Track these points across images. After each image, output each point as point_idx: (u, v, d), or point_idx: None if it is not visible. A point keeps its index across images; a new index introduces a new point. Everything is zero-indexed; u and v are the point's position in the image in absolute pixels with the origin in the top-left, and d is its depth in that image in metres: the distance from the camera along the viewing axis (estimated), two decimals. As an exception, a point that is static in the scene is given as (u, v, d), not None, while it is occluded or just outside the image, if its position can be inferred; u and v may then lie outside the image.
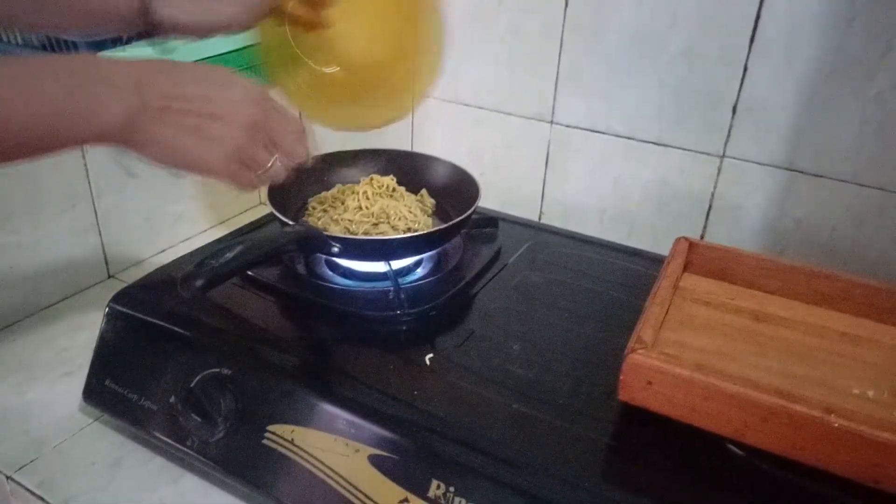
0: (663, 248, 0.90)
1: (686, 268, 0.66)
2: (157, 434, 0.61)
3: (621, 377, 0.50)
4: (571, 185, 0.98)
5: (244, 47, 1.02)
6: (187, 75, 0.50)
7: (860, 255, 0.83)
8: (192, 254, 0.74)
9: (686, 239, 0.65)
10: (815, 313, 0.61)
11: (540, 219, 1.02)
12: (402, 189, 0.77)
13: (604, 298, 0.69)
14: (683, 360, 0.49)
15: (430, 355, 0.59)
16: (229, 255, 0.52)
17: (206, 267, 0.51)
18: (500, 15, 0.94)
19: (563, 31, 0.90)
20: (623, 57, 0.88)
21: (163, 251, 0.96)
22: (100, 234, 0.90)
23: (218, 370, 0.59)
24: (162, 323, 0.64)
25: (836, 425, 0.44)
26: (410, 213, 0.72)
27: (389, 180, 0.77)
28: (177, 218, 0.98)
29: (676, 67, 0.86)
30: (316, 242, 0.62)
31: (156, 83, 0.48)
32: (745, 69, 0.82)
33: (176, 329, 0.63)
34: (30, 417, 0.68)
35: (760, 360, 0.55)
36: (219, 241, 0.76)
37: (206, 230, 1.02)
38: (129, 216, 0.92)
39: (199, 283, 0.49)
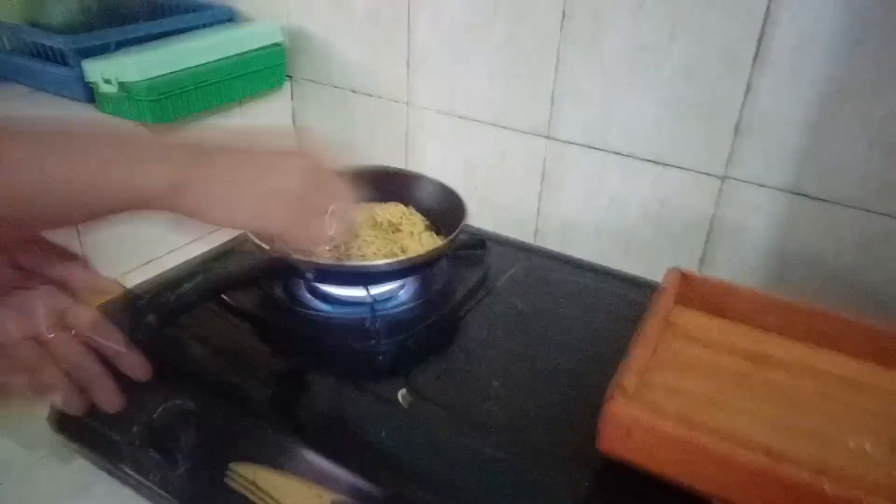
0: (661, 271, 0.87)
1: (679, 300, 0.63)
2: (121, 465, 0.59)
3: (600, 426, 0.47)
4: (567, 202, 0.95)
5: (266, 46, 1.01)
6: (232, 136, 0.49)
7: (865, 283, 0.79)
8: (158, 276, 0.71)
9: (679, 270, 0.62)
10: (813, 354, 0.58)
11: (535, 235, 0.99)
12: (412, 218, 0.73)
13: (593, 329, 0.66)
14: (666, 411, 0.46)
15: (403, 391, 0.56)
16: (188, 286, 0.49)
17: (160, 300, 0.48)
18: (495, 26, 0.91)
19: (559, 44, 0.87)
20: (621, 71, 0.85)
21: (145, 263, 0.94)
22: (80, 245, 0.88)
23: (181, 402, 0.56)
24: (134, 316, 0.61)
25: (828, 490, 0.41)
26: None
27: (395, 213, 0.73)
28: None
29: (676, 83, 0.82)
30: (290, 270, 0.59)
31: (195, 150, 0.47)
32: (749, 87, 0.78)
33: (147, 323, 0.60)
34: (-4, 439, 0.66)
35: (751, 406, 0.52)
36: (187, 263, 0.72)
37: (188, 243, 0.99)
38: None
39: (150, 318, 0.47)
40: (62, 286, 0.47)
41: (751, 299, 0.60)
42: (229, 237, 0.81)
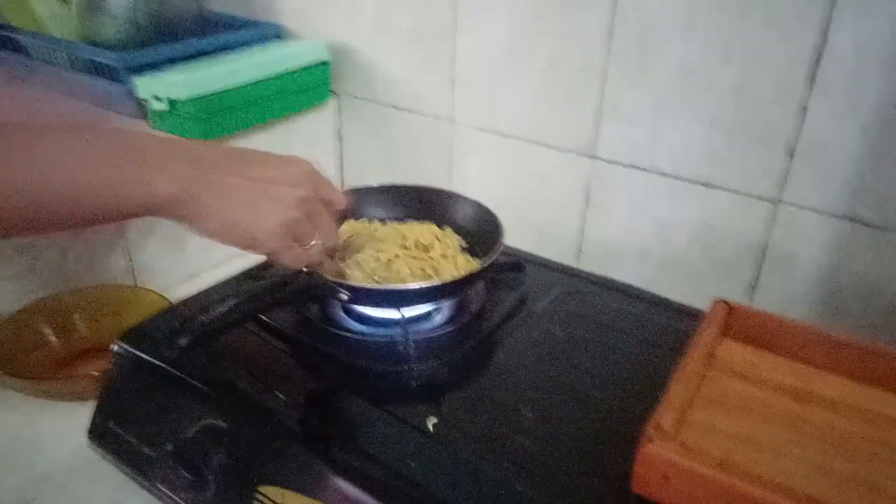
0: (707, 299, 0.84)
1: (725, 332, 0.60)
2: (156, 482, 0.59)
3: (635, 468, 0.45)
4: (612, 225, 0.93)
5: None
6: (240, 152, 0.52)
7: (927, 319, 0.75)
8: (207, 292, 0.71)
9: (725, 302, 0.60)
10: (865, 395, 0.54)
11: (578, 258, 0.97)
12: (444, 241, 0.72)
13: (633, 360, 0.64)
14: (706, 455, 0.44)
15: (434, 420, 0.55)
16: (222, 308, 0.49)
17: (193, 323, 0.48)
18: (540, 44, 0.89)
19: (605, 63, 0.85)
20: (670, 91, 0.82)
21: (190, 278, 0.95)
22: (129, 257, 0.90)
23: (214, 421, 0.57)
24: (165, 366, 0.62)
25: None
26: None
27: (425, 235, 0.72)
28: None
29: (728, 105, 0.79)
30: (323, 291, 0.59)
31: (211, 157, 0.49)
32: (805, 110, 0.75)
33: (177, 374, 0.61)
34: (38, 450, 0.68)
35: (798, 450, 0.49)
36: (225, 284, 0.73)
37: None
38: (159, 237, 0.92)
39: (182, 342, 0.47)
40: None
41: (799, 334, 0.57)
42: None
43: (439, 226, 0.75)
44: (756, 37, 0.75)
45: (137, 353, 0.63)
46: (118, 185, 0.45)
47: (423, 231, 0.73)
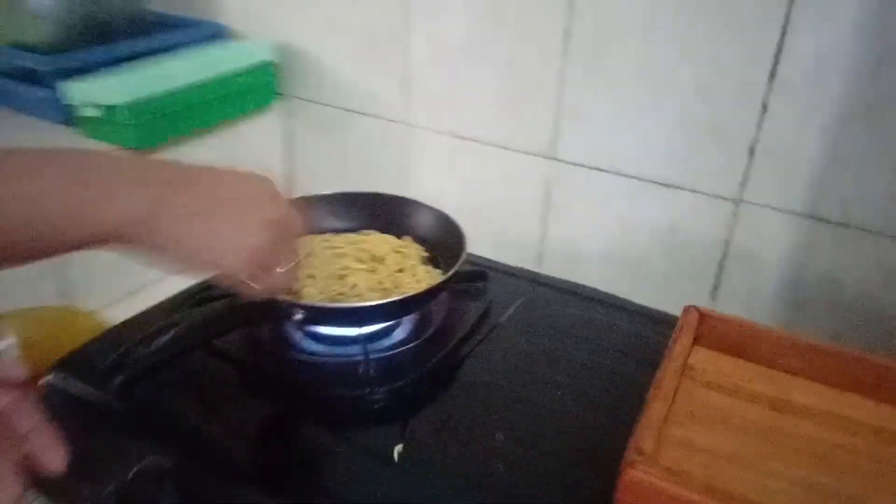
0: (673, 300, 0.82)
1: (697, 340, 0.58)
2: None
3: (617, 495, 0.43)
4: (572, 227, 0.91)
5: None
6: (198, 171, 0.47)
7: (890, 314, 0.75)
8: (148, 315, 0.66)
9: (696, 309, 0.58)
10: (844, 402, 0.53)
11: (539, 262, 0.94)
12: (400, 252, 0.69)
13: (605, 371, 0.61)
14: (690, 478, 0.42)
15: (399, 447, 0.51)
16: (163, 339, 0.45)
17: (131, 357, 0.43)
18: (496, 44, 0.87)
19: (563, 63, 0.83)
20: (630, 92, 0.81)
21: (130, 296, 0.89)
22: (60, 274, 0.84)
23: (159, 459, 0.52)
24: (101, 401, 0.56)
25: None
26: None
27: (381, 247, 0.68)
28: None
29: (687, 103, 0.78)
30: (276, 312, 0.55)
31: (168, 177, 0.44)
32: (765, 108, 0.74)
33: (116, 408, 0.56)
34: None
35: (781, 465, 0.47)
36: (168, 306, 0.67)
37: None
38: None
39: (118, 380, 0.42)
40: None
41: (774, 341, 0.56)
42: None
43: (398, 235, 0.71)
44: (716, 36, 0.74)
45: (71, 386, 0.58)
46: (67, 210, 0.39)
47: (379, 242, 0.69)
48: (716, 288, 0.84)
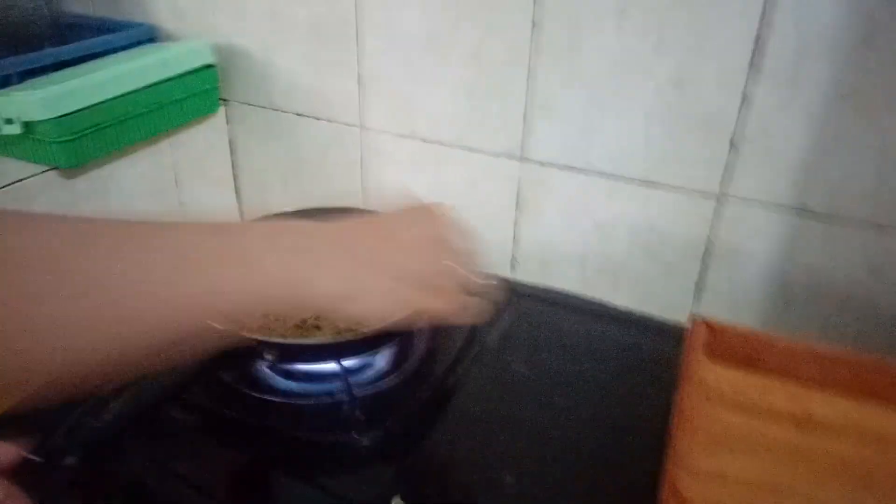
0: (653, 301, 0.79)
1: (705, 352, 0.54)
2: None
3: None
4: (547, 231, 0.86)
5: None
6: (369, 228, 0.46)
7: (878, 307, 0.73)
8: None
9: (704, 322, 0.54)
10: (865, 413, 0.50)
11: (512, 268, 0.89)
12: None
13: (610, 391, 0.57)
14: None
15: (398, 499, 0.46)
16: (116, 404, 0.37)
17: (81, 430, 0.36)
18: (459, 37, 0.81)
19: (530, 55, 0.78)
20: (603, 84, 0.76)
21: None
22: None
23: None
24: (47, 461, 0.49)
25: None
26: None
27: None
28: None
29: (665, 95, 0.74)
30: (242, 355, 0.48)
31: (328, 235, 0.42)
32: (744, 97, 0.71)
33: (67, 467, 0.48)
34: None
35: (819, 490, 0.43)
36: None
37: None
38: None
39: (69, 461, 0.35)
40: None
41: (788, 351, 0.52)
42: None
43: None
44: (694, 23, 0.70)
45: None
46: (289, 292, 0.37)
47: None
48: (700, 288, 0.81)
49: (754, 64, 0.69)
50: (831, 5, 0.64)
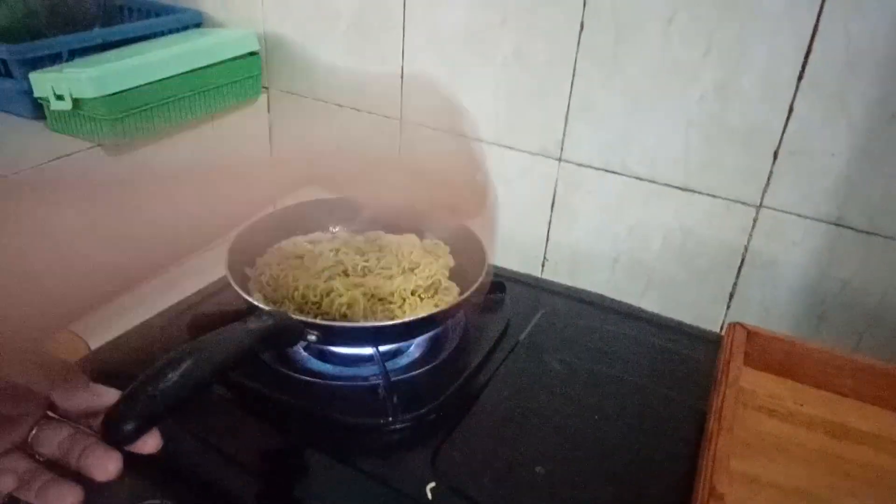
0: (683, 308, 0.79)
1: (744, 360, 0.54)
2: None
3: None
4: (580, 231, 0.86)
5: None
6: None
7: (915, 326, 0.72)
8: (134, 333, 0.59)
9: (743, 326, 0.54)
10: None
11: (543, 266, 0.90)
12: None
13: (642, 392, 0.57)
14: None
15: (432, 485, 0.46)
16: (173, 375, 0.39)
17: (139, 399, 0.37)
18: (504, 35, 0.81)
19: (576, 58, 0.78)
20: (647, 89, 0.76)
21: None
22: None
23: (158, 502, 0.46)
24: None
25: None
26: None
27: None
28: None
29: (709, 104, 0.74)
30: (291, 333, 0.49)
31: None
32: (791, 110, 0.71)
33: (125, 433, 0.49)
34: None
35: (853, 500, 0.43)
36: (161, 326, 0.61)
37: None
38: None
39: (128, 427, 0.36)
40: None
41: (824, 360, 0.52)
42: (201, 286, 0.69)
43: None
44: (742, 31, 0.70)
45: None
46: None
47: (409, 246, 0.64)
48: (731, 296, 0.81)
49: (801, 76, 0.69)
50: (884, 23, 0.64)
